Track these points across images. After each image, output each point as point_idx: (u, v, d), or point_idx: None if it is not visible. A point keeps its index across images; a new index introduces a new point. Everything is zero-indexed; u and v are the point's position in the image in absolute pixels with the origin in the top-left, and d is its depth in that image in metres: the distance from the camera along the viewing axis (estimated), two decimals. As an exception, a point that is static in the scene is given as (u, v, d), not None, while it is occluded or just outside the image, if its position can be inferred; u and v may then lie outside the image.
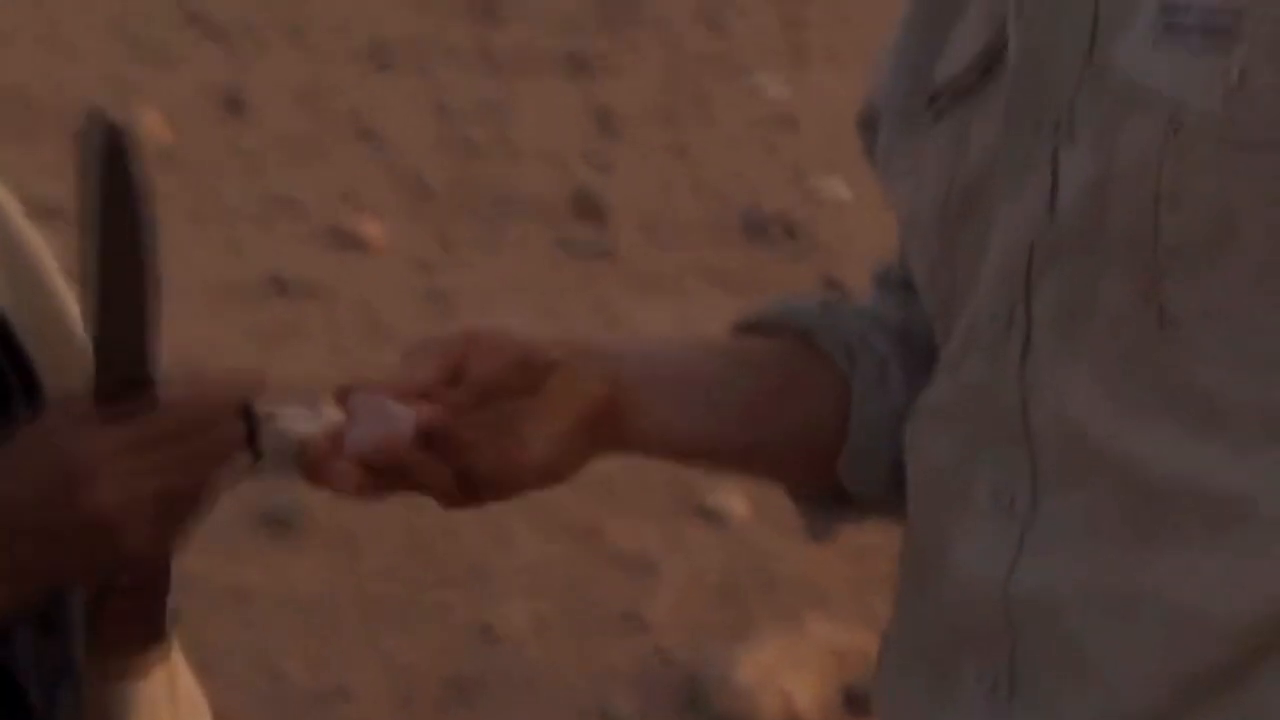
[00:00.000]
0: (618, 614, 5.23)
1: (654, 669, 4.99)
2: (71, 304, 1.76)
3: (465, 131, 9.69)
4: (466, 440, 1.45)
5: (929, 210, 1.46)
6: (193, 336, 6.74)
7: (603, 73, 10.85)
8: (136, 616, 1.65)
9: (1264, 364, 1.30)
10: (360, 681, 4.97)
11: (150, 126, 9.32)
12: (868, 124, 1.58)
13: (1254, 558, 1.30)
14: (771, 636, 4.89)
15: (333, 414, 1.50)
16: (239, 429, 1.46)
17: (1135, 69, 1.31)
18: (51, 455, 1.49)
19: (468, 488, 1.48)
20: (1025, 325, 1.37)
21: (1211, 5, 1.28)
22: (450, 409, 1.45)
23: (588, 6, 12.39)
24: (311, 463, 1.47)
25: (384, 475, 1.46)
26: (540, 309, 6.95)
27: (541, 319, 6.62)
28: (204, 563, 5.37)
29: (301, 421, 1.50)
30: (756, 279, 7.21)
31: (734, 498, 5.51)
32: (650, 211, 8.40)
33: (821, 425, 1.55)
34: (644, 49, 11.43)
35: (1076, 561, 1.36)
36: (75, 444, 1.46)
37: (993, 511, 1.39)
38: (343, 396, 1.48)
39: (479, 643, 5.12)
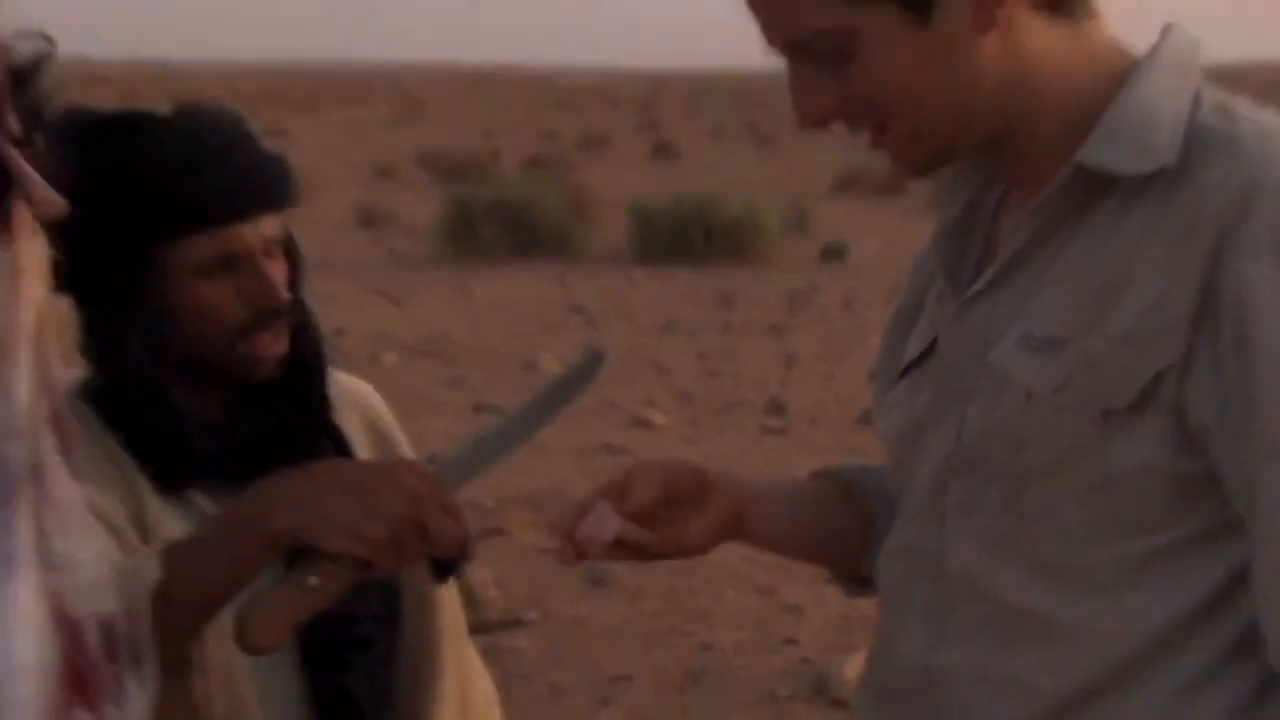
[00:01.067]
0: (782, 637, 5.07)
1: (800, 670, 4.81)
2: None
3: (712, 367, 9.68)
4: (645, 542, 1.34)
5: (896, 434, 1.34)
6: (556, 477, 6.74)
7: (790, 333, 10.83)
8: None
9: (1075, 542, 1.17)
10: (639, 674, 4.82)
11: (546, 366, 9.41)
12: (872, 379, 1.50)
13: (1067, 655, 1.18)
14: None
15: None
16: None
17: (1008, 366, 1.19)
18: (387, 467, 1.39)
19: (647, 557, 1.37)
20: (943, 510, 1.25)
21: (1048, 334, 1.17)
22: (649, 507, 1.34)
23: (783, 299, 12.43)
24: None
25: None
26: (749, 467, 6.84)
27: (751, 470, 6.53)
28: (556, 604, 5.32)
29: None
30: (873, 449, 7.10)
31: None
32: (814, 410, 8.30)
33: (855, 537, 1.44)
34: (815, 321, 11.41)
35: (968, 651, 1.24)
36: (407, 471, 1.32)
37: (923, 617, 1.27)
38: (591, 501, 1.35)
39: (704, 653, 4.96)
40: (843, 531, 1.44)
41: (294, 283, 1.54)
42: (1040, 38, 1.17)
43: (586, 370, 1.43)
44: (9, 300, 1.08)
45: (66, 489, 1.14)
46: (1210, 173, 1.12)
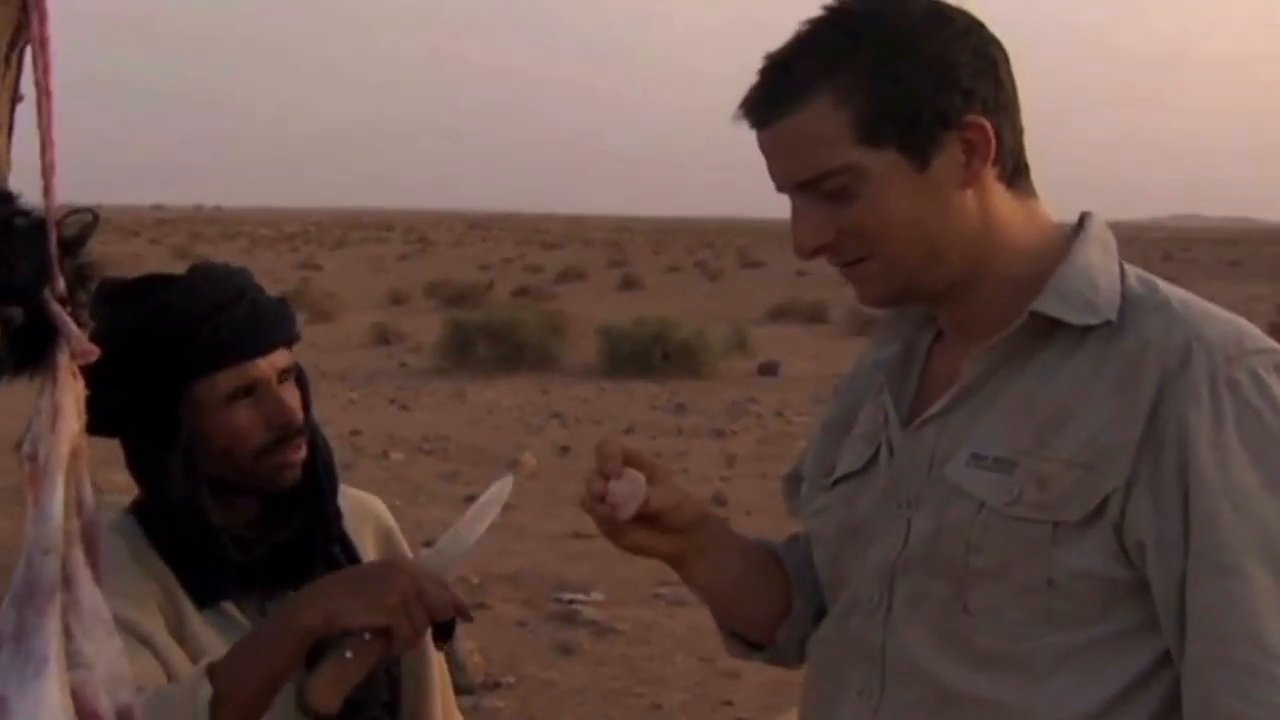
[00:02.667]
0: (721, 699, 4.98)
1: (737, 726, 4.72)
2: None
3: (666, 464, 9.56)
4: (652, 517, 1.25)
5: (831, 534, 1.29)
6: (533, 559, 6.59)
7: (732, 437, 10.77)
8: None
9: (1011, 638, 1.14)
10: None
11: (527, 462, 9.36)
12: (793, 480, 1.41)
13: None
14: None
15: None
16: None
17: (959, 479, 1.17)
18: (382, 561, 1.45)
19: (635, 549, 1.27)
20: (888, 602, 1.21)
21: (997, 455, 1.15)
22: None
23: (726, 408, 12.41)
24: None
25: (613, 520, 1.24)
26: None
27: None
28: (529, 669, 5.20)
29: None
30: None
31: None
32: (751, 503, 8.23)
33: (775, 599, 1.35)
34: (753, 426, 11.35)
35: None
36: (400, 564, 1.39)
37: (859, 697, 1.23)
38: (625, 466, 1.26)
39: (655, 712, 4.87)
40: (769, 591, 1.36)
41: (305, 406, 1.53)
42: (1003, 205, 1.18)
43: (504, 486, 1.48)
44: (49, 434, 1.05)
45: (91, 595, 1.10)
46: (1148, 329, 1.13)
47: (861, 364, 1.37)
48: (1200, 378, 1.09)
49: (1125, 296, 1.16)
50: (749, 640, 1.39)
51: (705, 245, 63.94)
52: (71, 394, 1.07)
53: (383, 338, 18.36)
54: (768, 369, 15.34)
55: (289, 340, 1.52)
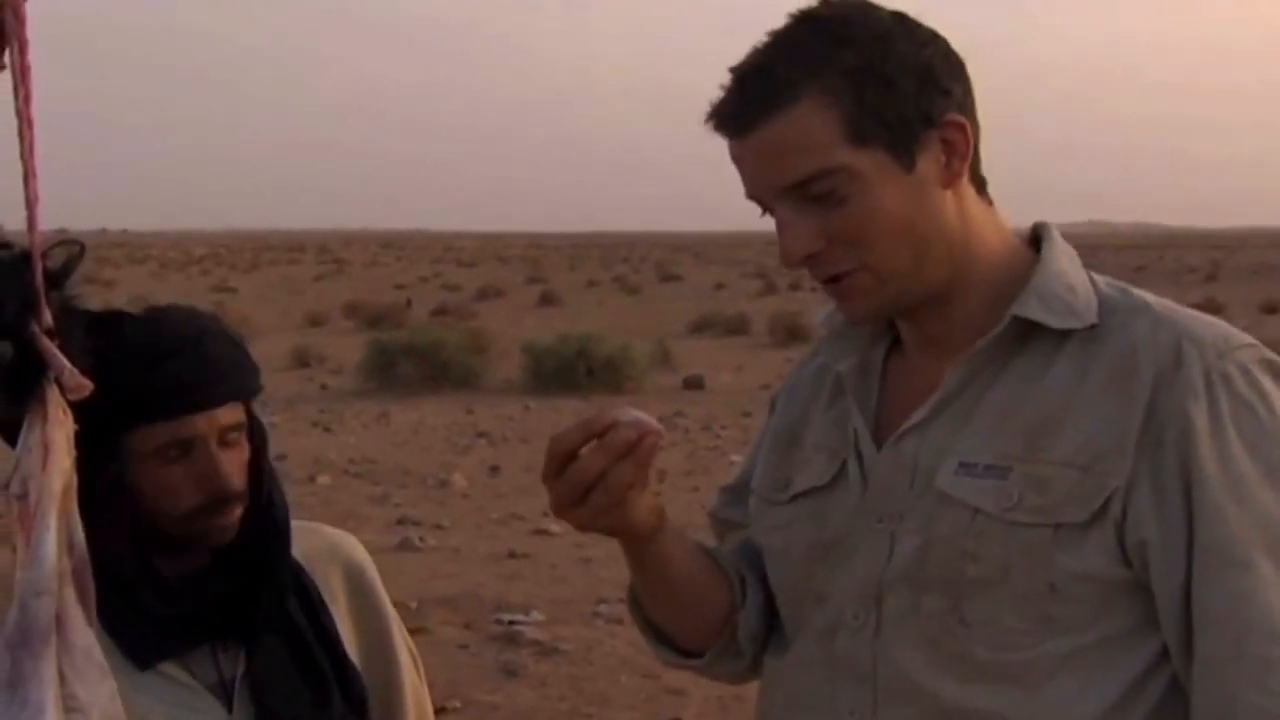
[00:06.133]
0: (669, 717, 4.95)
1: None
2: (404, 655, 1.59)
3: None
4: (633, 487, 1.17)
5: (800, 552, 1.25)
6: (471, 580, 6.47)
7: (659, 453, 10.66)
8: None
9: (1011, 648, 1.13)
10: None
11: (457, 484, 9.25)
12: (736, 491, 1.38)
13: None
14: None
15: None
16: None
17: (949, 488, 1.16)
18: None
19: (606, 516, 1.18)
20: (877, 620, 1.19)
21: (987, 462, 1.15)
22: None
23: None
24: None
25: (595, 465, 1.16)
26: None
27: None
28: (474, 693, 5.13)
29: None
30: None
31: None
32: (684, 518, 8.11)
33: (719, 598, 1.30)
34: (681, 441, 11.27)
35: None
36: None
37: (850, 718, 1.21)
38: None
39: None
40: (716, 586, 1.31)
41: (256, 462, 1.47)
42: (976, 209, 1.19)
43: None
44: (40, 472, 1.02)
45: (84, 637, 1.07)
46: (1133, 331, 1.14)
47: (800, 375, 1.35)
48: (1196, 374, 1.10)
49: (1100, 301, 1.18)
50: (682, 648, 1.34)
51: (621, 260, 64.09)
52: (62, 430, 1.04)
53: (302, 360, 18.09)
54: (693, 383, 15.38)
55: (241, 395, 1.44)
